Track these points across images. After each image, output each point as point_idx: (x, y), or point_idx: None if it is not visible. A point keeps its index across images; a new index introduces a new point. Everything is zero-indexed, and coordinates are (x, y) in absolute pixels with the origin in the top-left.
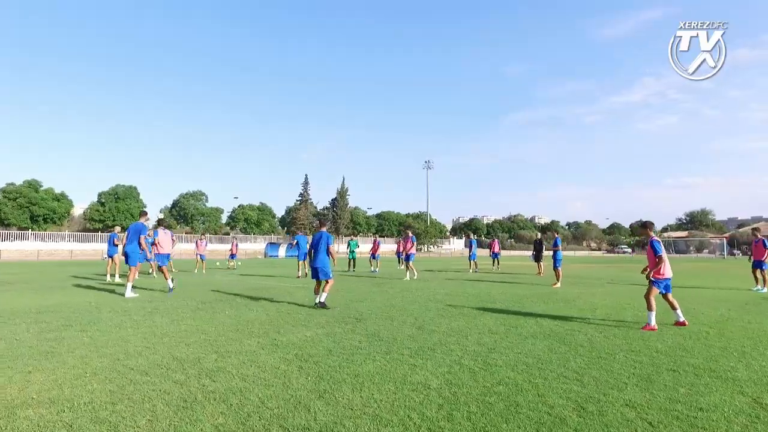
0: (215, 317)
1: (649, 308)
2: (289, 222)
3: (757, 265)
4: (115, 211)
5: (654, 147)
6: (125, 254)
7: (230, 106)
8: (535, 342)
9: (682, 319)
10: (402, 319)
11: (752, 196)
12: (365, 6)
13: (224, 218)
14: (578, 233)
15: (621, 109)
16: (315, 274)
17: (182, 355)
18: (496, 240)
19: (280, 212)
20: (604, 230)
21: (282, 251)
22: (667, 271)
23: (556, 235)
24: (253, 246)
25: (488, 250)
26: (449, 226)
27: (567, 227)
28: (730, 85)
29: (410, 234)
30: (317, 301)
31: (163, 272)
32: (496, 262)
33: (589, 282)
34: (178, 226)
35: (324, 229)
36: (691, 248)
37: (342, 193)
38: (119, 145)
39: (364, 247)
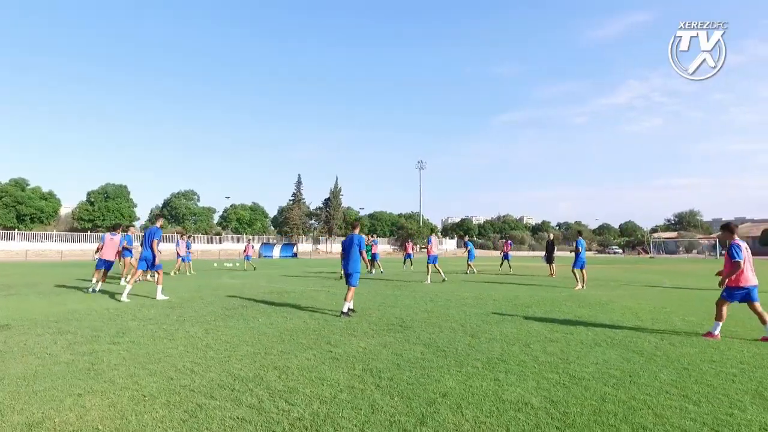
0: (250, 326)
1: (717, 317)
2: (282, 222)
3: None
4: (105, 211)
5: (640, 148)
6: (147, 259)
7: (224, 105)
8: (603, 351)
9: None
10: (448, 325)
11: (735, 198)
12: (359, 6)
13: (216, 218)
14: (569, 234)
15: (608, 110)
16: (347, 279)
17: (239, 372)
18: (509, 241)
19: (272, 212)
20: (593, 231)
21: (276, 251)
22: (745, 279)
23: (580, 237)
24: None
25: (500, 251)
26: (439, 227)
27: (557, 228)
28: (713, 89)
29: (431, 236)
30: (343, 310)
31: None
32: (505, 263)
33: (604, 284)
34: (170, 226)
35: (356, 232)
36: (681, 249)
37: (335, 193)
38: (110, 144)
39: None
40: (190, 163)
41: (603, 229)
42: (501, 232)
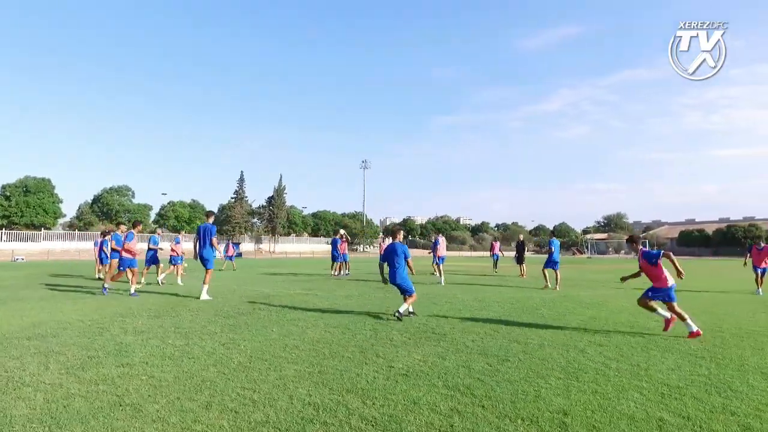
0: (268, 338)
1: (682, 318)
2: (223, 220)
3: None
4: (24, 206)
5: (570, 154)
6: (202, 258)
7: (158, 99)
8: (662, 355)
9: (695, 329)
10: (482, 331)
11: (651, 202)
12: (302, 4)
13: (153, 216)
14: (507, 235)
15: (540, 117)
16: (400, 291)
17: (312, 398)
18: (497, 242)
19: (213, 210)
20: (530, 231)
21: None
22: (667, 279)
23: (553, 237)
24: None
25: (489, 251)
26: (379, 227)
27: (495, 228)
28: (631, 100)
29: (438, 237)
30: (406, 312)
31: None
32: (495, 264)
33: (577, 284)
34: (100, 224)
35: (399, 240)
36: (611, 249)
37: (279, 192)
38: (29, 135)
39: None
40: (123, 157)
41: (539, 230)
42: (441, 233)
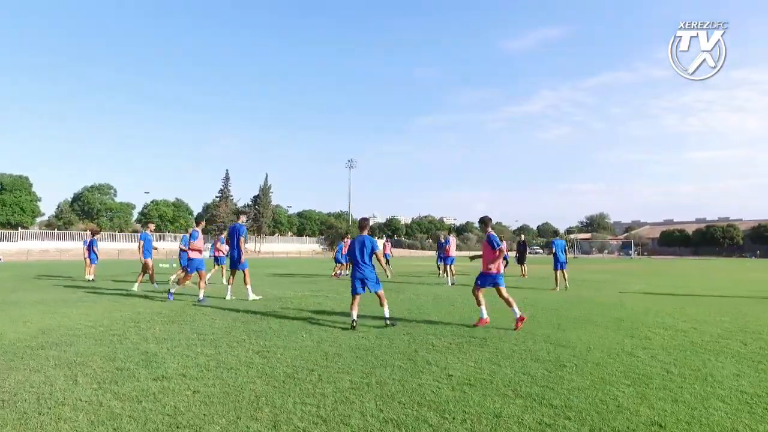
0: (301, 344)
1: (478, 303)
2: (208, 219)
3: None
4: (0, 204)
5: (551, 154)
6: (232, 259)
7: (141, 96)
8: (716, 358)
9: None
10: (518, 334)
11: (632, 203)
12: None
13: (135, 215)
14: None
15: (522, 118)
16: (360, 286)
17: (386, 414)
18: (505, 242)
19: (197, 209)
20: (513, 231)
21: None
22: (497, 266)
23: (556, 237)
24: (169, 245)
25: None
26: None
27: (479, 228)
28: (612, 103)
29: (449, 236)
30: (386, 318)
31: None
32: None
33: (579, 284)
34: (81, 222)
35: (365, 233)
36: (594, 249)
37: (265, 191)
38: (5, 131)
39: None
40: (105, 155)
41: (522, 230)
42: (427, 232)
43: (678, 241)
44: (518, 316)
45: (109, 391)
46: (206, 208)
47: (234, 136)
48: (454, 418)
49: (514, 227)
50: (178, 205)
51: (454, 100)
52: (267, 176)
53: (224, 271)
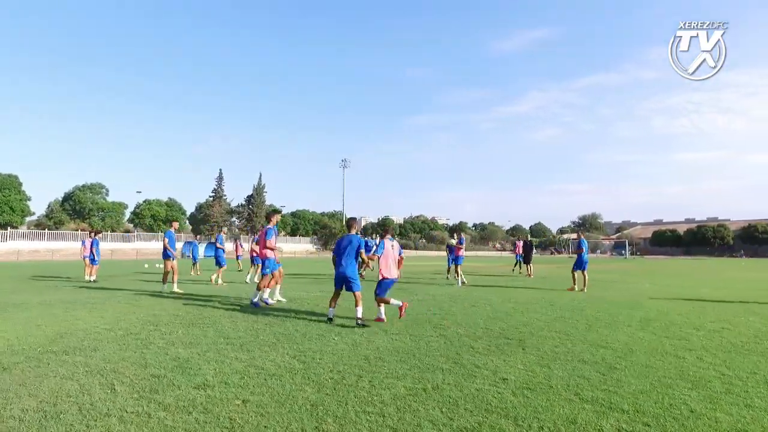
0: (339, 347)
1: (379, 303)
2: (201, 219)
3: None
4: None
5: (542, 155)
6: (263, 258)
7: (133, 94)
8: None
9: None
10: (571, 338)
11: (621, 203)
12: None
13: (128, 214)
14: (485, 234)
15: (512, 118)
16: (339, 284)
17: (457, 422)
18: (521, 241)
19: (190, 208)
20: (507, 231)
21: (201, 250)
22: (388, 271)
23: (582, 237)
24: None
25: (512, 251)
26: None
27: (473, 228)
28: (601, 104)
29: (462, 235)
30: (357, 318)
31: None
32: (520, 264)
33: (601, 285)
34: (72, 222)
35: (354, 232)
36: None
37: (259, 190)
38: None
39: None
40: (97, 154)
41: (516, 230)
42: (421, 232)
43: (670, 241)
44: (383, 316)
45: (153, 401)
46: (199, 207)
47: (227, 135)
48: (530, 426)
49: (507, 227)
50: (171, 205)
51: (445, 101)
52: (261, 176)
53: (257, 269)
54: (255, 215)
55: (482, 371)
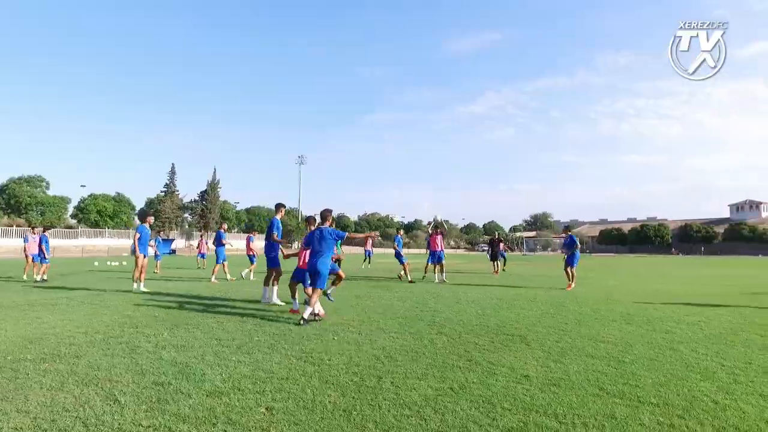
0: (342, 347)
1: (293, 296)
2: (145, 215)
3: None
4: None
5: (496, 154)
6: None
7: (76, 84)
8: None
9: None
10: (568, 332)
11: (569, 202)
12: None
13: (71, 209)
14: (441, 231)
15: (467, 118)
16: (311, 279)
17: (500, 422)
18: (503, 241)
19: (139, 203)
20: (461, 229)
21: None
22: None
23: (571, 234)
24: (111, 242)
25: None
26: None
27: (397, 229)
28: (552, 107)
29: (440, 230)
30: (308, 314)
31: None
32: (504, 262)
33: (553, 282)
34: (6, 217)
35: (327, 224)
36: (538, 246)
37: (213, 186)
38: None
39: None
40: (36, 146)
41: (469, 229)
42: (377, 229)
43: (616, 239)
44: (296, 309)
45: (167, 413)
46: (149, 203)
47: (180, 129)
48: (573, 423)
49: (461, 225)
50: (119, 200)
51: (401, 99)
52: (215, 171)
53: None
54: (209, 211)
55: (499, 368)
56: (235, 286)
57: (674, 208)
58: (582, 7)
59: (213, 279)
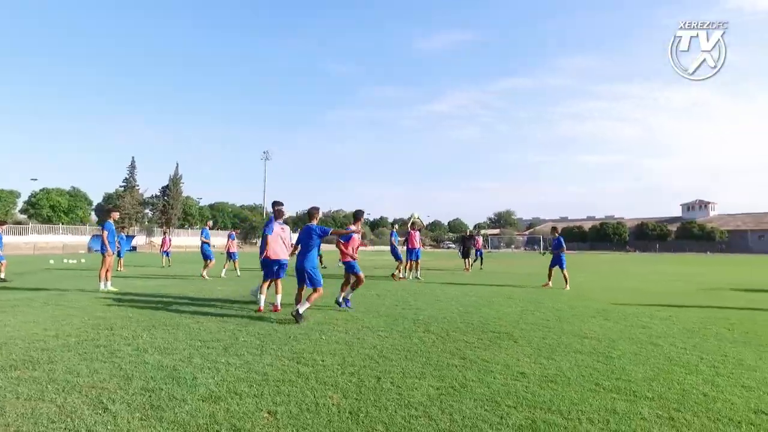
0: (332, 347)
1: (261, 291)
2: (109, 211)
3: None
4: None
5: (461, 153)
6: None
7: (26, 72)
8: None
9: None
10: (551, 328)
11: (530, 201)
12: None
13: (20, 204)
14: (404, 230)
15: (433, 117)
16: (300, 279)
17: (513, 419)
18: (480, 237)
19: (97, 199)
20: (426, 227)
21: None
22: (274, 253)
23: (559, 235)
24: (66, 238)
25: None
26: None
27: (393, 224)
28: (517, 108)
29: (416, 227)
30: (296, 311)
31: None
32: (480, 260)
33: (541, 280)
34: None
35: (314, 222)
36: (502, 244)
37: (175, 181)
38: None
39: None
40: None
41: (435, 226)
42: (342, 227)
43: (576, 237)
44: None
45: (164, 420)
46: (107, 198)
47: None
48: (578, 419)
49: (426, 222)
50: (75, 195)
51: (368, 96)
52: (178, 166)
53: (236, 264)
54: (171, 207)
55: (494, 366)
56: (210, 285)
57: (631, 207)
58: (547, 11)
59: (205, 275)
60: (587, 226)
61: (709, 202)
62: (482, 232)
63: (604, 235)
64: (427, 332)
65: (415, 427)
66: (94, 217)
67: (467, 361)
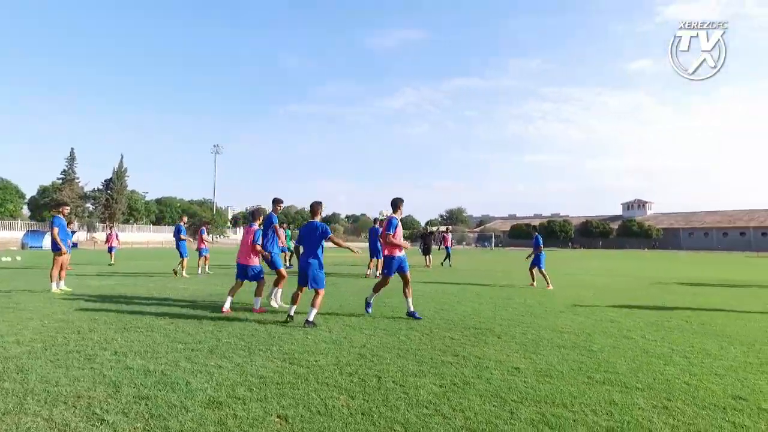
0: (321, 347)
1: (231, 293)
2: (44, 205)
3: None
4: None
5: (412, 150)
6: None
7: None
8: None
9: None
10: (531, 322)
11: (481, 198)
12: None
13: None
14: (356, 226)
15: (385, 113)
16: (302, 279)
17: (526, 414)
18: (449, 234)
19: (30, 192)
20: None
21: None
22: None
23: (537, 234)
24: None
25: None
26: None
27: (346, 219)
28: (464, 107)
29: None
30: (307, 321)
31: None
32: (449, 257)
33: (503, 277)
34: None
35: (317, 219)
36: (453, 241)
37: (120, 174)
38: None
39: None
40: None
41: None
42: (294, 223)
43: (526, 234)
44: (227, 308)
45: (172, 430)
46: (43, 191)
47: (81, 113)
48: (583, 411)
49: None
50: (4, 187)
51: (321, 92)
52: (122, 158)
53: (206, 261)
54: (115, 201)
55: (487, 362)
56: (173, 283)
57: (575, 206)
58: (499, 13)
59: (184, 273)
60: (535, 223)
61: (646, 202)
62: (434, 228)
63: (551, 232)
64: (411, 329)
65: (432, 425)
66: (26, 211)
67: (460, 358)
